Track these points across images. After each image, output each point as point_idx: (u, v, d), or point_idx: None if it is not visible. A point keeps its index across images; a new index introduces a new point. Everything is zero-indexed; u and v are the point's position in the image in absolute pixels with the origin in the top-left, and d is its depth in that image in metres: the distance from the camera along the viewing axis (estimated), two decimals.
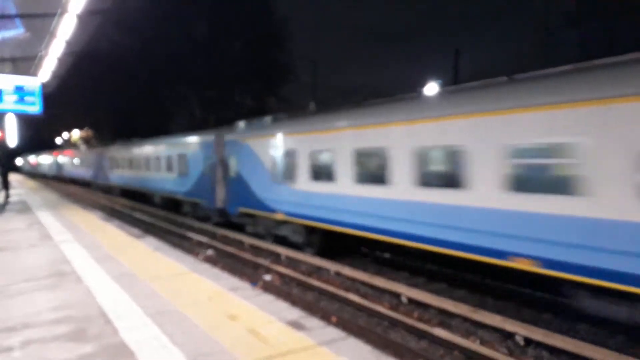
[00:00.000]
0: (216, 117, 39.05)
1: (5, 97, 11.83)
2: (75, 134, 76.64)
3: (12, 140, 28.75)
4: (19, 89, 12.05)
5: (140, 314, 5.64)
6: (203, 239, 16.44)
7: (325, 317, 8.49)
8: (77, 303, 6.16)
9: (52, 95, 22.66)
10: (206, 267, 8.43)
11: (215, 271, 8.13)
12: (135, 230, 13.13)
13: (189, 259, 9.28)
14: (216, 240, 16.39)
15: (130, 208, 27.10)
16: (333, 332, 5.16)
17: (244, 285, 7.08)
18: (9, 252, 9.76)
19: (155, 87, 39.54)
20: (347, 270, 11.07)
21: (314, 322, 5.43)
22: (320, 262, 11.99)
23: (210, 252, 14.45)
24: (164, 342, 4.79)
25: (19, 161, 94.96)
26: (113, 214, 23.33)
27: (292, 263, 12.76)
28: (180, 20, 36.48)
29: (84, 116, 59.05)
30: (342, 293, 9.74)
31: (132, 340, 4.83)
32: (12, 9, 9.52)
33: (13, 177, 48.49)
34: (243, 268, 12.40)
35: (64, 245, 10.38)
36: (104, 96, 44.43)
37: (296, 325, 5.24)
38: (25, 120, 39.23)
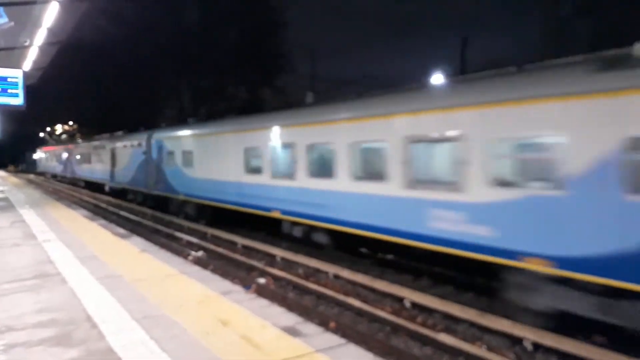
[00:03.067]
0: (208, 108, 39.00)
1: None
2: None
3: None
4: (0, 81, 12.07)
5: (126, 318, 5.65)
6: (193, 239, 16.45)
7: (323, 322, 8.51)
8: (62, 306, 6.17)
9: (35, 88, 22.64)
10: (196, 269, 8.45)
11: (206, 273, 8.15)
12: (121, 230, 13.14)
13: (177, 260, 9.30)
14: (207, 240, 16.40)
15: (116, 206, 27.09)
16: (331, 339, 5.18)
17: (236, 288, 7.09)
18: None
19: (144, 77, 39.46)
20: (347, 273, 11.09)
21: (311, 328, 5.45)
22: (318, 265, 12.01)
23: (200, 253, 14.46)
24: (152, 347, 4.80)
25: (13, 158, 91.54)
26: (98, 212, 23.33)
27: (287, 265, 12.77)
28: (170, 7, 36.38)
29: (69, 109, 58.87)
30: (341, 297, 9.76)
31: (118, 345, 4.84)
32: None
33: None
34: (236, 270, 12.42)
35: (47, 244, 10.38)
36: (90, 88, 44.38)
37: (292, 331, 5.26)
38: (9, 114, 39.03)
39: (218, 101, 40.26)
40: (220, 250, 14.64)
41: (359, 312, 9.10)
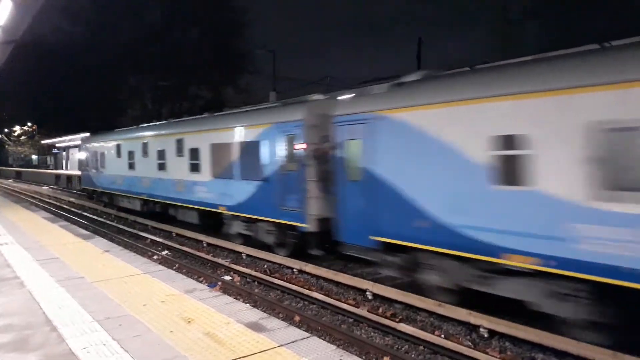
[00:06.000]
0: (170, 108, 38.29)
1: None
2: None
3: None
4: None
5: (88, 320, 5.45)
6: (157, 238, 16.10)
7: (288, 317, 8.47)
8: (19, 310, 5.90)
9: None
10: (160, 268, 8.25)
11: (170, 272, 7.97)
12: (84, 231, 12.72)
13: (141, 260, 9.07)
14: (171, 239, 16.07)
15: (79, 207, 26.21)
16: (295, 333, 5.14)
17: (200, 286, 6.96)
18: None
19: (105, 77, 38.29)
20: (311, 268, 11.07)
21: (274, 323, 5.40)
22: (283, 260, 11.94)
23: (165, 252, 14.14)
24: (114, 348, 4.65)
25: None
26: (59, 214, 22.50)
27: (253, 262, 12.65)
28: (131, 6, 35.41)
29: (28, 110, 56.47)
30: (305, 291, 9.74)
31: (79, 348, 4.66)
32: None
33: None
34: (201, 268, 12.21)
35: (4, 248, 9.93)
36: (49, 88, 42.67)
37: (256, 326, 5.19)
38: None
39: (181, 101, 39.55)
40: (185, 249, 14.37)
41: (323, 305, 9.09)
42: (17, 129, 77.44)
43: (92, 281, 7.18)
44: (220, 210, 14.13)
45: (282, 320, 6.01)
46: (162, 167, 17.59)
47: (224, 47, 38.55)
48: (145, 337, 4.92)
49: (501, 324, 7.29)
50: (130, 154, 20.34)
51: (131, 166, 20.19)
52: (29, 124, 73.29)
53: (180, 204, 16.54)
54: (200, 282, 8.99)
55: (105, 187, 23.66)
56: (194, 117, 17.90)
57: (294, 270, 11.39)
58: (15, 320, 5.52)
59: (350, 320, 8.39)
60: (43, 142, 66.92)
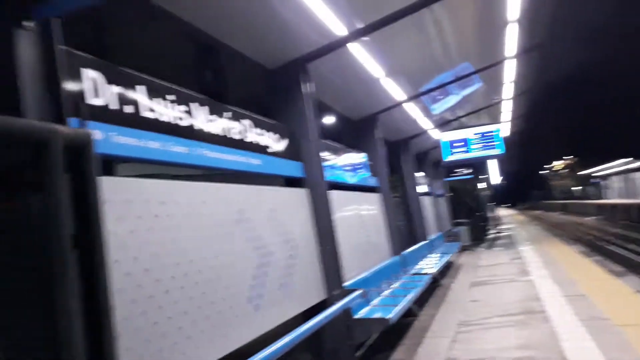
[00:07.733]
0: None
1: (472, 146, 14.30)
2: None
3: (496, 178, 33.14)
4: (482, 137, 14.24)
5: None
6: None
7: None
8: (540, 344, 6.35)
9: (520, 134, 24.48)
10: None
11: None
12: (617, 267, 12.12)
13: None
14: None
15: (622, 238, 24.97)
16: None
17: None
18: (490, 286, 11.12)
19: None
20: None
21: None
22: None
23: None
24: None
25: None
26: (595, 248, 22.22)
27: None
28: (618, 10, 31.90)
29: (565, 145, 59.76)
30: None
31: None
32: (471, 69, 11.34)
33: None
34: None
35: (537, 281, 10.84)
36: (583, 120, 43.76)
37: None
38: (506, 162, 43.68)
39: None
40: None
41: None
42: (557, 164, 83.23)
43: (617, 324, 6.81)
44: None
45: None
46: None
47: None
48: None
49: None
50: None
51: None
52: (567, 157, 77.32)
53: None
54: None
55: None
56: None
57: None
58: (536, 354, 5.99)
59: None
60: (579, 173, 68.87)
